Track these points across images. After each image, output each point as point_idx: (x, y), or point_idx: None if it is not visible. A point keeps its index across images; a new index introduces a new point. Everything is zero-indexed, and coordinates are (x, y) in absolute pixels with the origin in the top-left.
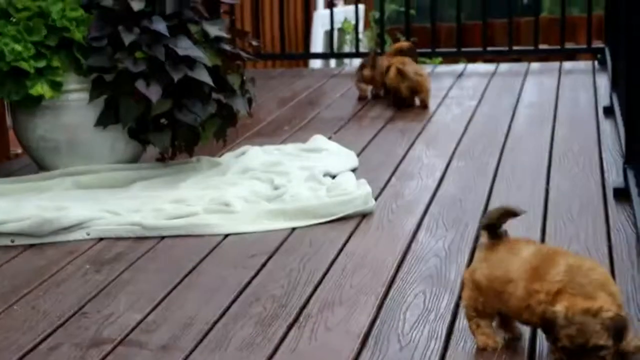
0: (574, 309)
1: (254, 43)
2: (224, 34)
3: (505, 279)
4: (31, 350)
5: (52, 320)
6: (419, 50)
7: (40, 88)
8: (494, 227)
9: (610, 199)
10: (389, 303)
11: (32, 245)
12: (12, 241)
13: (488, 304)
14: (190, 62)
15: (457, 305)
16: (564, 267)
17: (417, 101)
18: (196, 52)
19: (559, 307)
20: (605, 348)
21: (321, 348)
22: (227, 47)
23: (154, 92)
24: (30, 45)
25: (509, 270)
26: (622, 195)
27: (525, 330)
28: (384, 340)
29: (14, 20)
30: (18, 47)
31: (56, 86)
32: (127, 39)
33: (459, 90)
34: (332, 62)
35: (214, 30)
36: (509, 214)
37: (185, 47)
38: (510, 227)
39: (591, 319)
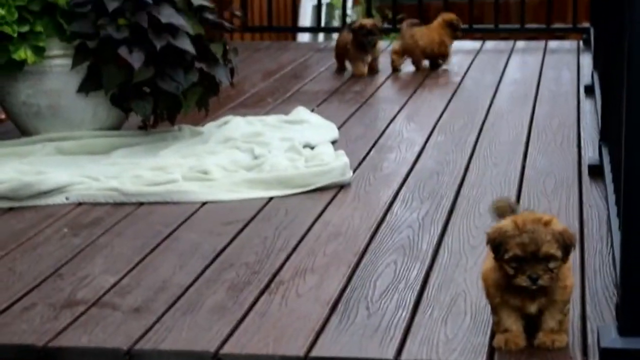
0: (524, 219)
1: (237, 13)
2: (207, 3)
3: None
4: (5, 309)
5: (27, 282)
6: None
7: (23, 53)
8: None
9: (585, 175)
10: (361, 272)
11: (11, 209)
12: None
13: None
14: (173, 30)
15: (427, 275)
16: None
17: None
18: (179, 20)
19: (506, 221)
20: (555, 259)
21: (291, 313)
22: (210, 17)
23: (136, 59)
24: (14, 10)
25: None
26: (596, 172)
27: None
28: (353, 307)
29: None
30: (1, 11)
31: (39, 51)
32: (111, 5)
33: (444, 66)
34: (320, 37)
35: None
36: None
37: (168, 14)
38: (483, 202)
39: (542, 227)
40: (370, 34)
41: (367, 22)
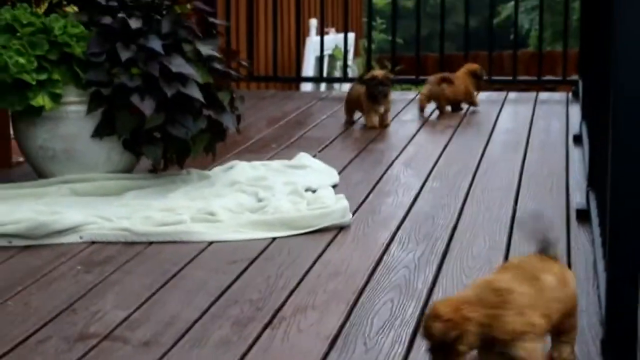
0: None
1: (244, 63)
2: (215, 54)
3: None
4: (21, 342)
5: (42, 316)
6: (404, 77)
7: (41, 99)
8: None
9: (573, 220)
10: (359, 309)
11: (28, 247)
12: (10, 242)
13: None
14: (183, 79)
15: (422, 313)
16: None
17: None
18: (189, 70)
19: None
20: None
21: (292, 348)
22: (219, 66)
23: (148, 107)
24: (33, 59)
25: None
26: (584, 216)
27: None
28: (352, 342)
29: (19, 35)
30: (21, 60)
31: (56, 98)
32: (124, 55)
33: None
34: (322, 86)
35: (206, 49)
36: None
37: (178, 64)
38: (476, 245)
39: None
40: (382, 85)
41: (379, 73)
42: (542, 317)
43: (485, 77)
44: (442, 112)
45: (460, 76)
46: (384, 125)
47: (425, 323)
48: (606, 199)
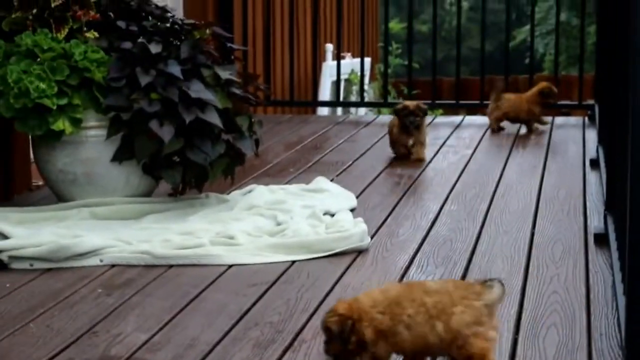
0: None
1: (262, 87)
2: (234, 78)
3: None
4: None
5: (64, 338)
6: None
7: (62, 124)
8: None
9: (591, 243)
10: None
11: (49, 270)
12: (31, 265)
13: None
14: (202, 104)
15: None
16: None
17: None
18: (208, 95)
19: None
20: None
21: None
22: (237, 91)
23: (166, 132)
24: (54, 84)
25: None
26: (602, 240)
27: None
28: None
29: (40, 60)
30: (42, 85)
31: (76, 122)
32: (144, 80)
33: (456, 139)
34: (339, 111)
35: (225, 74)
36: None
37: (197, 90)
38: (495, 268)
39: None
40: (412, 115)
41: (411, 103)
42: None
43: (553, 95)
44: (493, 130)
45: (527, 94)
46: (415, 158)
47: (324, 318)
48: (625, 223)
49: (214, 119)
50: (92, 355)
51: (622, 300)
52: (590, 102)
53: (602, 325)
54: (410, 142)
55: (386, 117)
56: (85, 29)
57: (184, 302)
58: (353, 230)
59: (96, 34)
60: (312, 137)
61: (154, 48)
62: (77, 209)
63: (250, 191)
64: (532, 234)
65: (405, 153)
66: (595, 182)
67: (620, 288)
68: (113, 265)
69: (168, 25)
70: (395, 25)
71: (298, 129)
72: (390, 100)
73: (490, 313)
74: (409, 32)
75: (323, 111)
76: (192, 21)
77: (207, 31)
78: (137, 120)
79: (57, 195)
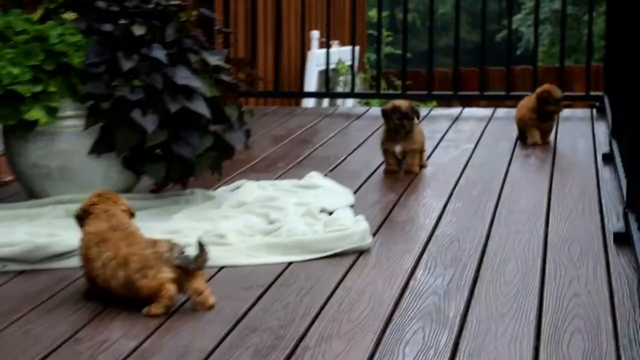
0: None
1: (254, 72)
2: (223, 64)
3: None
4: None
5: (44, 346)
6: (413, 93)
7: (36, 113)
8: None
9: (610, 243)
10: (388, 338)
11: (23, 272)
12: (4, 266)
13: None
14: (189, 92)
15: (456, 343)
16: None
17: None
18: (195, 83)
19: None
20: None
21: None
22: (226, 78)
23: (150, 123)
24: (27, 69)
25: None
26: (622, 239)
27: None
28: None
29: (12, 43)
30: (15, 71)
31: (51, 112)
32: (126, 65)
33: (456, 133)
34: (325, 102)
35: (214, 59)
36: None
37: (183, 76)
38: (509, 269)
39: None
40: (405, 118)
41: (402, 103)
42: None
43: (553, 100)
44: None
45: (529, 99)
46: (407, 169)
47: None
48: None
49: (202, 108)
50: None
51: None
52: (598, 93)
53: (630, 331)
54: (398, 148)
55: (377, 110)
56: (62, 9)
57: (173, 306)
58: (353, 228)
59: (74, 15)
60: (300, 130)
61: (137, 30)
62: (52, 206)
63: (238, 187)
64: (546, 234)
65: (395, 167)
66: (611, 178)
67: None
68: None
69: (152, 6)
70: (375, 14)
71: (284, 121)
72: (382, 91)
73: None
74: (404, 21)
75: (308, 103)
76: (177, 2)
77: (194, 13)
78: (117, 109)
79: (28, 191)
